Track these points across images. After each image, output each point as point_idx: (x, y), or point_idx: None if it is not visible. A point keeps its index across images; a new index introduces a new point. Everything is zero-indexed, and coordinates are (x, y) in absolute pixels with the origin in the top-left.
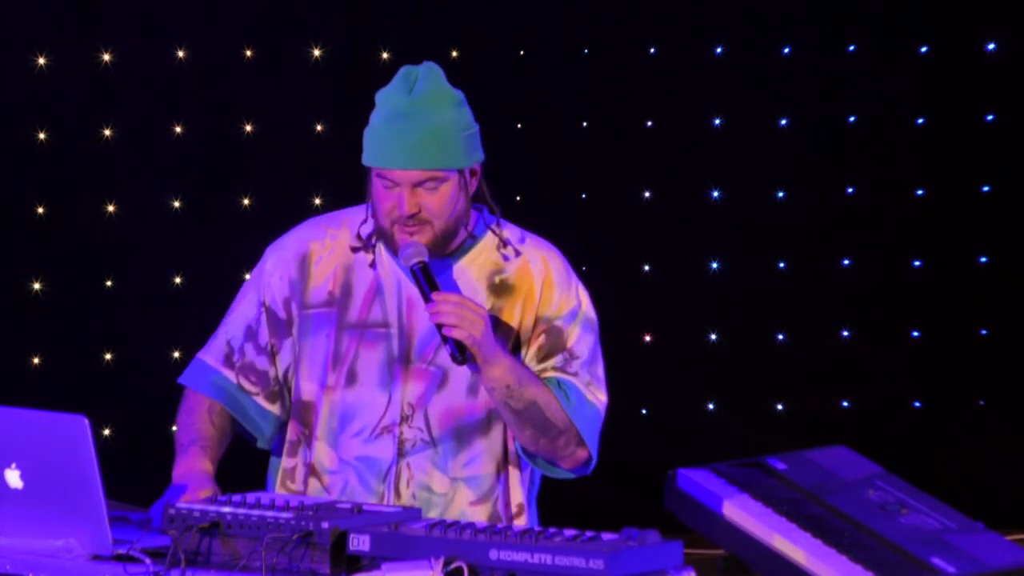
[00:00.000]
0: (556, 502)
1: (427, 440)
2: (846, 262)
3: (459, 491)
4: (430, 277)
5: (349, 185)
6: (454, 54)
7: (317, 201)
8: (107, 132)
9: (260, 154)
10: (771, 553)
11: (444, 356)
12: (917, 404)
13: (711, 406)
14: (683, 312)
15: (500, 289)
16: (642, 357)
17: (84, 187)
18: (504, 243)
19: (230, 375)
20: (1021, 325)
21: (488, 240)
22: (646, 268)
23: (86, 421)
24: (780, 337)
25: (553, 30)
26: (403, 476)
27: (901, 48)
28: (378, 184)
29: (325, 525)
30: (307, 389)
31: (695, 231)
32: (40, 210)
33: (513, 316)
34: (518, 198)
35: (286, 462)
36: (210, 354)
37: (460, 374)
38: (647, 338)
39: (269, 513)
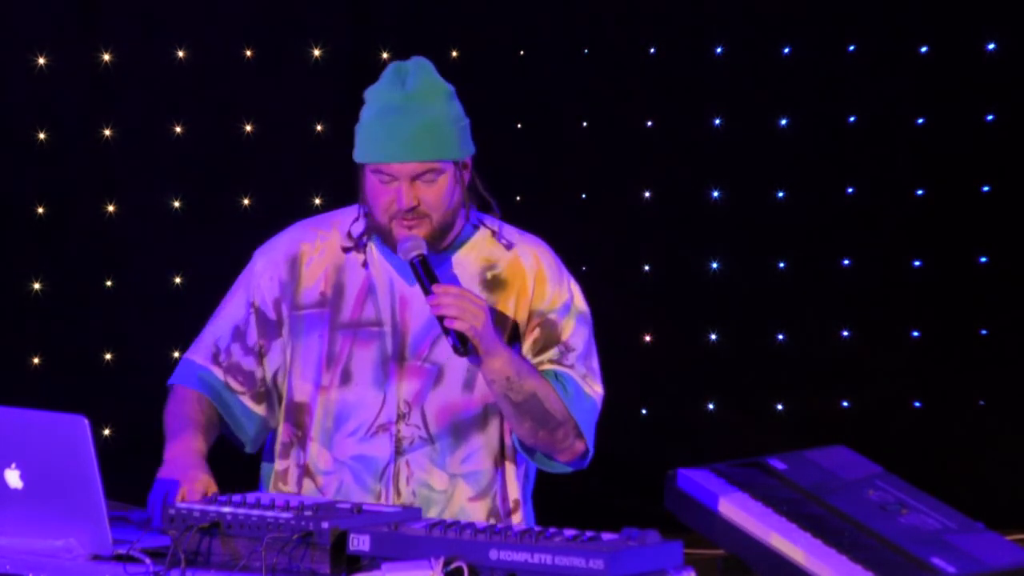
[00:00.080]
0: (556, 501)
1: (425, 437)
2: (846, 262)
3: (458, 487)
4: (429, 270)
5: (349, 185)
6: (454, 54)
7: (317, 201)
8: (107, 132)
9: (260, 154)
10: (771, 553)
11: (439, 352)
12: (917, 404)
13: (711, 406)
14: (683, 312)
15: (492, 284)
16: (642, 357)
17: (84, 187)
18: (496, 237)
19: (217, 372)
20: (1021, 325)
21: (479, 236)
22: (646, 268)
23: (86, 421)
24: (780, 337)
25: (553, 30)
26: (402, 474)
27: (901, 48)
28: (374, 180)
29: (325, 525)
30: (300, 390)
31: (695, 231)
32: (40, 210)
33: (507, 311)
34: (518, 198)
35: (278, 464)
36: (197, 353)
37: (456, 370)
38: (647, 338)
39: (269, 513)
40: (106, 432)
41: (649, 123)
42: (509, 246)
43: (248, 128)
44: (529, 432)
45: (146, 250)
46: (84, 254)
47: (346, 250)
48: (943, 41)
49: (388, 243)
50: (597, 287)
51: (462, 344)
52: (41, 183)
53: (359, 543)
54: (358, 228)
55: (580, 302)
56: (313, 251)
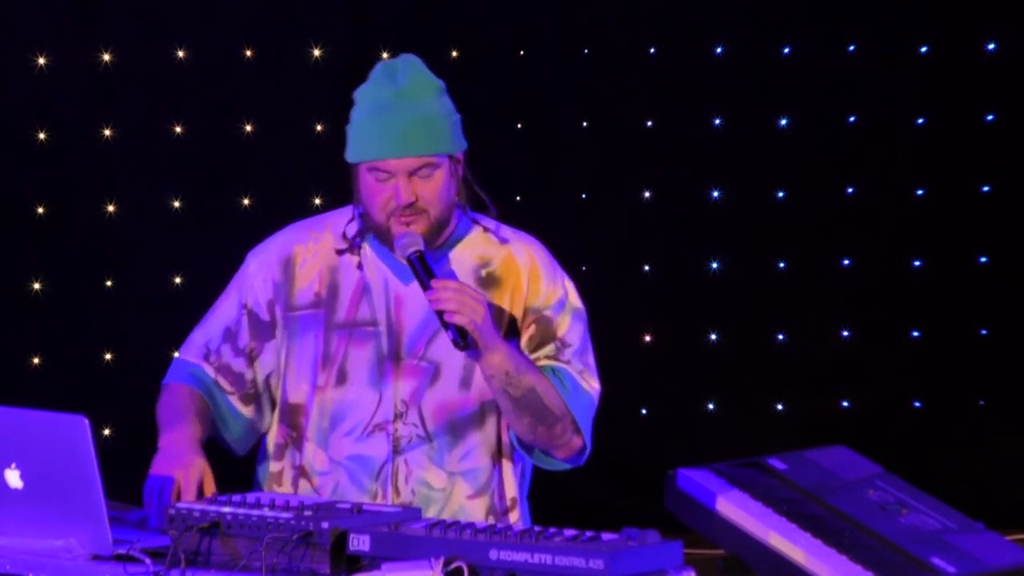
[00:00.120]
0: (555, 501)
1: (423, 436)
2: (846, 262)
3: (457, 485)
4: (427, 266)
5: (349, 185)
6: (454, 54)
7: (317, 201)
8: (107, 132)
9: (260, 154)
10: (771, 553)
11: (435, 351)
12: (917, 404)
13: (711, 406)
14: (683, 312)
15: (487, 282)
16: (642, 357)
17: (84, 187)
18: (490, 235)
19: (208, 370)
20: (1021, 325)
21: (473, 234)
22: (646, 268)
23: (86, 421)
24: (780, 337)
25: (553, 30)
26: (400, 473)
27: (901, 48)
28: (370, 179)
29: (325, 525)
30: (295, 391)
31: (695, 231)
32: (40, 210)
33: (503, 307)
34: (518, 198)
35: (273, 466)
36: (188, 353)
37: (452, 368)
38: (647, 338)
39: (269, 513)
40: (106, 432)
41: (649, 123)
42: (503, 243)
43: (248, 128)
44: (528, 428)
45: (146, 250)
46: (84, 254)
47: (340, 252)
48: (943, 41)
49: (386, 242)
50: (597, 287)
51: (462, 338)
52: (41, 183)
53: (359, 543)
54: (352, 230)
55: (575, 299)
56: (307, 252)
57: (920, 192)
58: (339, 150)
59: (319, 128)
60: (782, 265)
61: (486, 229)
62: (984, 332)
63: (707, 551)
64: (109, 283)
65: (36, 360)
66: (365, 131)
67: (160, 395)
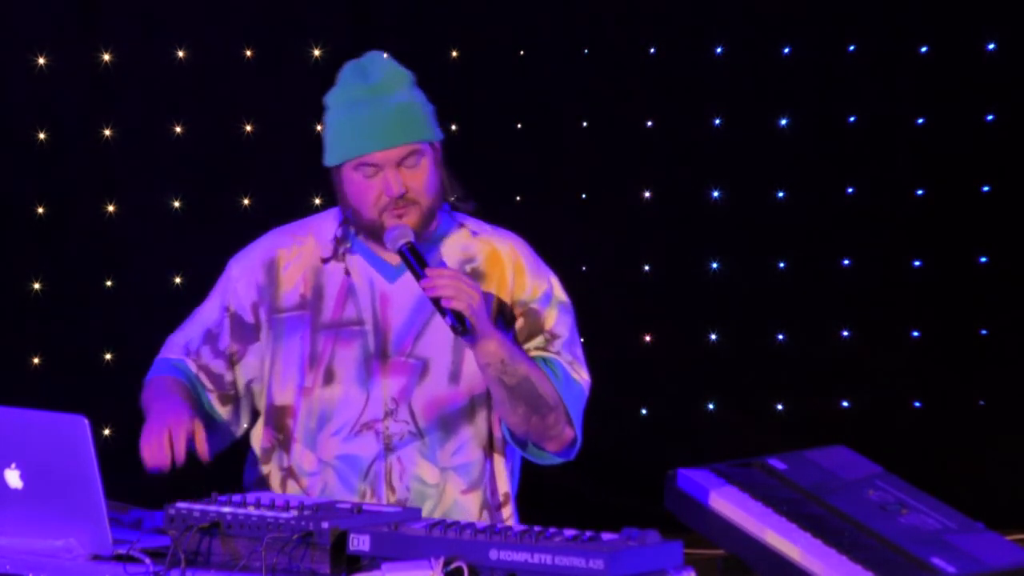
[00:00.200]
0: (555, 501)
1: (414, 432)
2: (846, 262)
3: (450, 480)
4: (419, 255)
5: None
6: (454, 54)
7: (317, 201)
8: (107, 132)
9: (260, 154)
10: (770, 553)
11: (423, 347)
12: (917, 404)
13: (711, 406)
14: (683, 312)
15: (472, 277)
16: (642, 357)
17: (84, 187)
18: (472, 232)
19: (191, 364)
20: (1021, 325)
21: (455, 232)
22: (646, 268)
23: (86, 421)
24: (780, 337)
25: (553, 30)
26: (394, 470)
27: (901, 48)
28: (357, 177)
29: (325, 525)
30: (282, 393)
31: (695, 231)
32: (40, 210)
33: (494, 294)
34: (518, 198)
35: (260, 469)
36: (170, 352)
37: (440, 364)
38: (647, 338)
39: (269, 513)
40: (106, 432)
41: (649, 123)
42: (486, 240)
43: (248, 128)
44: (522, 418)
45: (146, 250)
46: (84, 254)
47: (325, 261)
48: (943, 41)
49: (379, 240)
50: (597, 287)
51: (460, 323)
52: (41, 183)
53: (359, 543)
54: (334, 237)
55: (560, 292)
56: (290, 255)
57: (920, 192)
58: None
59: (319, 128)
60: (782, 265)
61: (468, 227)
62: (984, 332)
63: (707, 551)
64: (109, 283)
65: (36, 360)
66: (346, 129)
67: (143, 389)
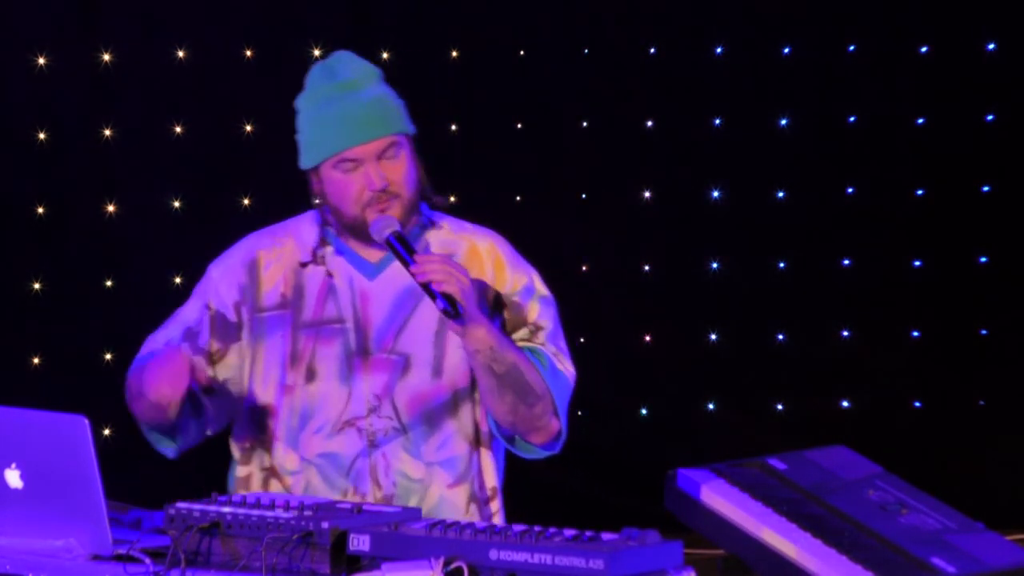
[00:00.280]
0: (556, 501)
1: (398, 428)
2: (846, 262)
3: (435, 475)
4: (406, 243)
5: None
6: (454, 54)
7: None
8: (107, 132)
9: (260, 154)
10: (770, 553)
11: (404, 343)
12: (917, 404)
13: (711, 406)
14: (683, 312)
15: None
16: (642, 357)
17: (84, 187)
18: (450, 229)
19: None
20: (1021, 325)
21: (433, 229)
22: (646, 268)
23: (86, 421)
24: (780, 337)
25: (553, 30)
26: (379, 467)
27: (901, 48)
28: (336, 175)
29: (325, 525)
30: (262, 393)
31: (695, 231)
32: (40, 210)
33: (483, 281)
34: (518, 198)
35: (240, 471)
36: (150, 347)
37: (422, 359)
38: (647, 338)
39: (269, 513)
40: (106, 432)
41: (649, 123)
42: (464, 236)
43: (248, 128)
44: (510, 408)
45: (146, 250)
46: (84, 254)
47: (304, 265)
48: (943, 41)
49: (361, 237)
50: (597, 287)
51: (452, 306)
52: (41, 183)
53: (359, 543)
54: (312, 240)
55: (541, 287)
56: (271, 256)
57: (920, 192)
58: None
59: None
60: (782, 265)
61: (447, 225)
62: (984, 332)
63: (707, 551)
64: (109, 283)
65: (36, 360)
66: (322, 128)
67: (128, 379)
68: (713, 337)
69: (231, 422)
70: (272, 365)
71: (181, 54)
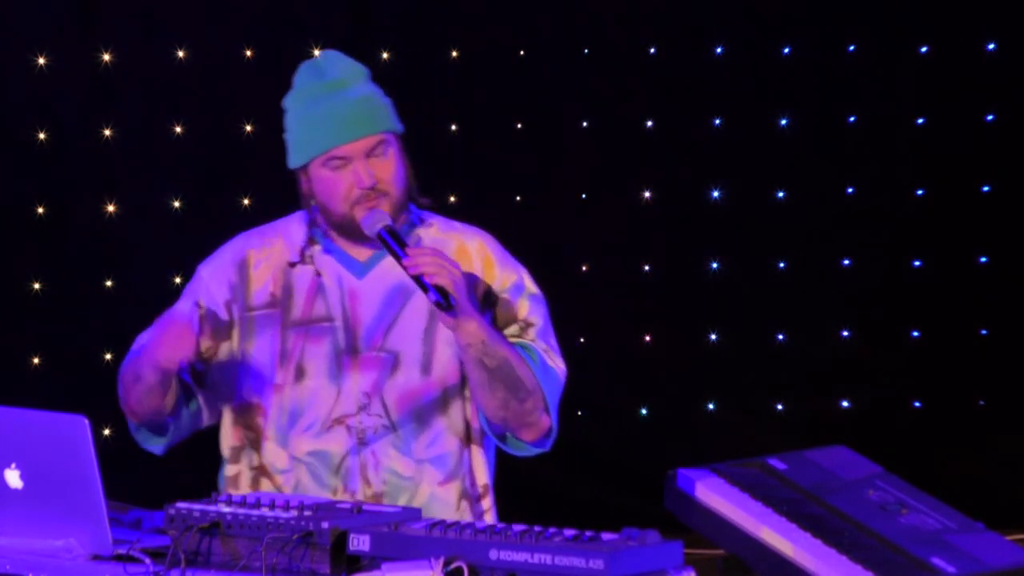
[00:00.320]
0: (556, 502)
1: (387, 425)
2: (846, 262)
3: (426, 472)
4: (398, 237)
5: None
6: (454, 54)
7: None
8: (107, 132)
9: (260, 154)
10: (770, 553)
11: (393, 341)
12: (917, 404)
13: (711, 406)
14: (683, 312)
15: None
16: (642, 357)
17: (84, 187)
18: (439, 228)
19: None
20: (1021, 325)
21: (421, 228)
22: (646, 268)
23: (86, 421)
24: (780, 337)
25: (553, 30)
26: (369, 464)
27: (901, 48)
28: (325, 173)
29: (325, 525)
30: (251, 392)
31: (695, 231)
32: (40, 210)
33: (474, 274)
34: (518, 198)
35: (229, 470)
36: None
37: (411, 356)
38: (647, 338)
39: (269, 513)
40: (106, 432)
41: (649, 123)
42: (453, 235)
43: (248, 128)
44: (501, 403)
45: (146, 250)
46: (84, 254)
47: (292, 265)
48: (943, 41)
49: (350, 236)
50: (597, 287)
51: (444, 298)
52: (41, 183)
53: (359, 543)
54: (300, 239)
55: (531, 285)
56: (260, 255)
57: (920, 192)
58: None
59: None
60: (782, 265)
61: (436, 224)
62: (984, 332)
63: (707, 551)
64: (109, 283)
65: (36, 360)
66: (310, 126)
67: (122, 373)
68: (713, 337)
69: (220, 420)
70: (261, 364)
71: (181, 54)
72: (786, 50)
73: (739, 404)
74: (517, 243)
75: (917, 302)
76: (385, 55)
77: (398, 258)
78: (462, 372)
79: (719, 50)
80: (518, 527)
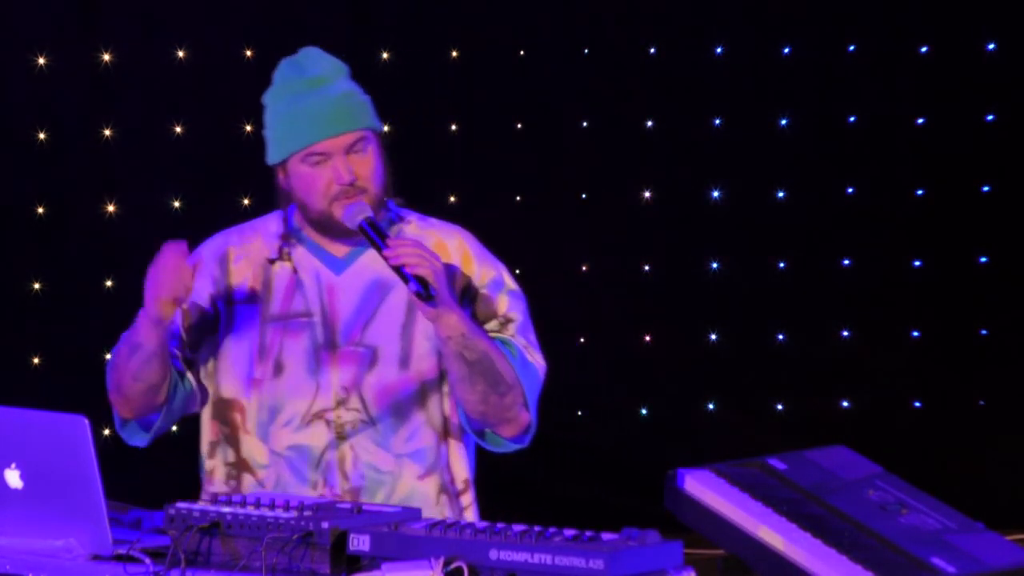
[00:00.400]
0: (556, 502)
1: (366, 420)
2: (846, 262)
3: (405, 467)
4: (379, 229)
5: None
6: (454, 54)
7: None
8: (107, 132)
9: (260, 154)
10: (770, 553)
11: (371, 335)
12: (917, 404)
13: (711, 406)
14: (683, 312)
15: None
16: (642, 357)
17: (84, 187)
18: (418, 225)
19: None
20: (1021, 325)
21: (400, 225)
22: (646, 268)
23: (86, 421)
24: (780, 337)
25: (553, 30)
26: (347, 458)
27: (901, 48)
28: (304, 169)
29: (325, 525)
30: (229, 386)
31: (695, 231)
32: (40, 210)
33: (453, 266)
34: (518, 198)
35: (207, 464)
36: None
37: (389, 351)
38: (647, 338)
39: (269, 513)
40: (106, 432)
41: (649, 123)
42: (432, 231)
43: (248, 128)
44: (481, 397)
45: (146, 250)
46: (84, 254)
47: (272, 262)
48: (943, 41)
49: (328, 232)
50: (597, 287)
51: (425, 289)
52: (41, 183)
53: (359, 543)
54: (278, 236)
55: (510, 281)
56: (239, 251)
57: (920, 192)
58: None
59: None
60: (782, 265)
61: (414, 221)
62: (984, 332)
63: (707, 551)
64: (109, 283)
65: (36, 360)
66: (290, 122)
67: (113, 358)
68: (713, 337)
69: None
70: (240, 359)
71: (181, 54)
72: (786, 50)
73: (739, 404)
74: (517, 243)
75: (917, 302)
76: (385, 55)
77: (379, 249)
78: (440, 367)
79: (719, 50)
80: (518, 527)
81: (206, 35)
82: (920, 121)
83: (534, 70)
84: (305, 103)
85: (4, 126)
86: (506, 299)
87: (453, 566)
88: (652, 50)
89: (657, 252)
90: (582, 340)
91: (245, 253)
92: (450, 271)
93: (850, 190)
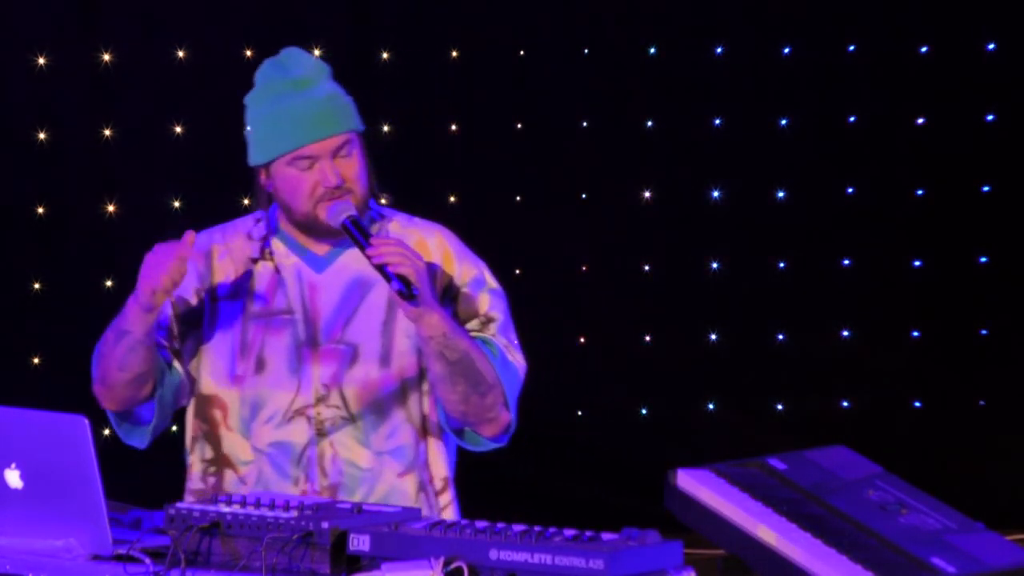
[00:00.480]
0: (554, 502)
1: (346, 417)
2: (846, 262)
3: (385, 464)
4: (362, 228)
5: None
6: (454, 54)
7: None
8: (107, 132)
9: None
10: (770, 553)
11: (352, 333)
12: (917, 404)
13: (711, 406)
14: (683, 312)
15: None
16: (642, 357)
17: (84, 187)
18: (399, 223)
19: None
20: (1021, 325)
21: (381, 223)
22: (646, 268)
23: (86, 421)
24: (780, 337)
25: (553, 30)
26: (326, 455)
27: (901, 48)
28: (290, 172)
29: (325, 525)
30: (210, 383)
31: (695, 231)
32: (40, 210)
33: (434, 264)
34: (518, 198)
35: (188, 460)
36: None
37: (370, 349)
38: (647, 338)
39: (269, 513)
40: (106, 432)
41: (649, 123)
42: (413, 230)
43: (248, 128)
44: (461, 397)
45: (146, 250)
46: (84, 254)
47: (255, 261)
48: (943, 41)
49: (311, 232)
50: (597, 287)
51: (406, 287)
52: (41, 183)
53: (359, 543)
54: (260, 236)
55: (492, 280)
56: (223, 248)
57: (920, 192)
58: None
59: None
60: (782, 265)
61: (396, 220)
62: (984, 332)
63: (707, 551)
64: (109, 283)
65: (36, 360)
66: (276, 125)
67: (100, 346)
68: (713, 337)
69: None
70: (221, 355)
71: (181, 54)
72: (786, 50)
73: (739, 404)
74: (517, 243)
75: (917, 302)
76: (385, 55)
77: (362, 247)
78: (420, 365)
79: (719, 50)
80: (518, 527)
81: (206, 35)
82: (920, 121)
83: (534, 70)
84: (290, 104)
85: (4, 126)
86: (487, 298)
87: (453, 566)
88: (652, 50)
89: (657, 252)
90: (582, 340)
91: (228, 251)
92: (431, 269)
93: (850, 190)
